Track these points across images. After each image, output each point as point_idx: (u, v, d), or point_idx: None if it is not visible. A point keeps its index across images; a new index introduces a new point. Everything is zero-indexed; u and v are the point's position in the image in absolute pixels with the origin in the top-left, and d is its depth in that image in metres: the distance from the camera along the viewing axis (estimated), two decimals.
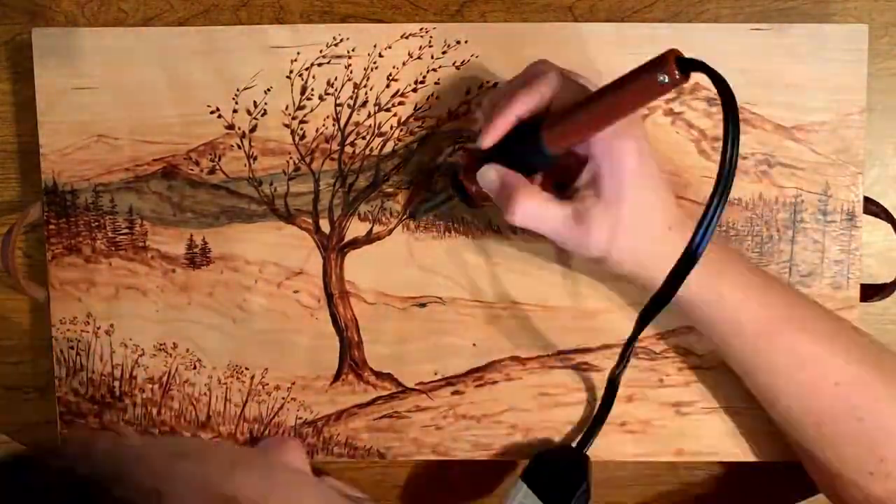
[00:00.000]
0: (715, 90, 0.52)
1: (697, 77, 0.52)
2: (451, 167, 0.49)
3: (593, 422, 0.53)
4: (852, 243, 0.53)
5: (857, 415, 0.46)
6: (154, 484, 0.26)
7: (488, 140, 0.45)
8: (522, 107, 0.44)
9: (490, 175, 0.46)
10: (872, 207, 0.53)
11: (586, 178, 0.45)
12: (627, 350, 0.49)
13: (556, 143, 0.44)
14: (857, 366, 0.46)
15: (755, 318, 0.46)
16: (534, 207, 0.44)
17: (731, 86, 0.37)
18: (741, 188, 0.53)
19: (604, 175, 0.44)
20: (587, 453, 0.52)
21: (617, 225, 0.44)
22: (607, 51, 0.52)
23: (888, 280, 0.53)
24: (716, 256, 0.45)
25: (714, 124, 0.53)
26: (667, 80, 0.37)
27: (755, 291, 0.47)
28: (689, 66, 0.37)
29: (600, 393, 0.54)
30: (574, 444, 0.53)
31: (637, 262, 0.46)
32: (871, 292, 0.53)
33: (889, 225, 0.53)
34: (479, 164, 0.47)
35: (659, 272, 0.42)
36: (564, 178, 0.46)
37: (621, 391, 0.54)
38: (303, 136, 0.53)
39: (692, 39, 0.52)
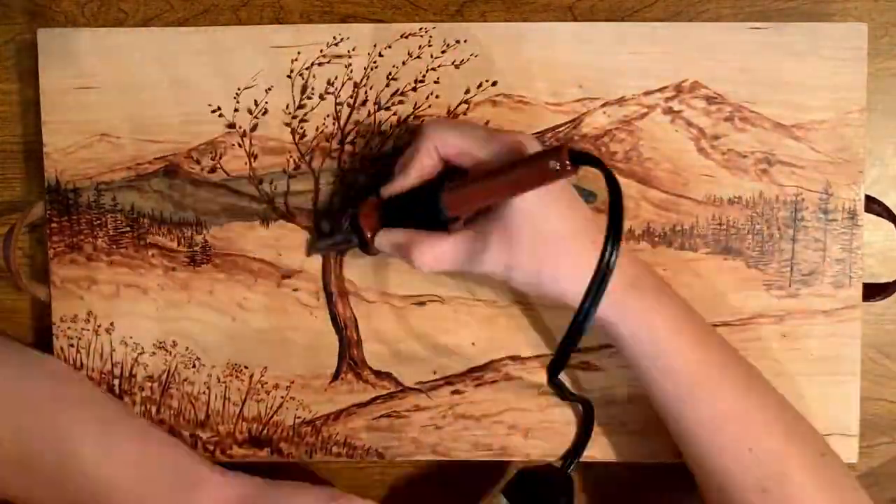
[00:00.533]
0: (714, 91, 0.53)
1: (698, 75, 0.53)
2: (352, 212, 0.50)
3: (575, 443, 0.54)
4: (854, 242, 0.53)
5: (763, 485, 0.45)
6: None
7: (386, 192, 0.48)
8: (423, 168, 0.47)
9: (382, 241, 0.49)
10: (874, 206, 0.53)
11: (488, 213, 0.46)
12: (560, 358, 0.47)
13: (454, 207, 0.46)
14: (774, 433, 0.46)
15: (686, 355, 0.47)
16: (432, 250, 0.46)
17: (618, 182, 0.40)
18: (741, 186, 0.53)
19: (507, 209, 0.45)
20: (571, 474, 0.52)
21: (533, 249, 0.45)
22: (607, 50, 0.52)
23: (890, 279, 0.53)
24: (647, 285, 0.47)
25: (713, 123, 0.53)
26: (558, 168, 0.40)
27: (688, 328, 0.47)
28: (581, 159, 0.40)
29: (599, 394, 0.54)
30: (559, 465, 0.53)
31: (561, 287, 0.46)
32: (872, 291, 0.53)
33: (891, 223, 0.52)
34: (381, 212, 0.49)
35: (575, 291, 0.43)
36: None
37: (621, 391, 0.54)
38: (303, 135, 0.53)
39: (692, 39, 0.52)
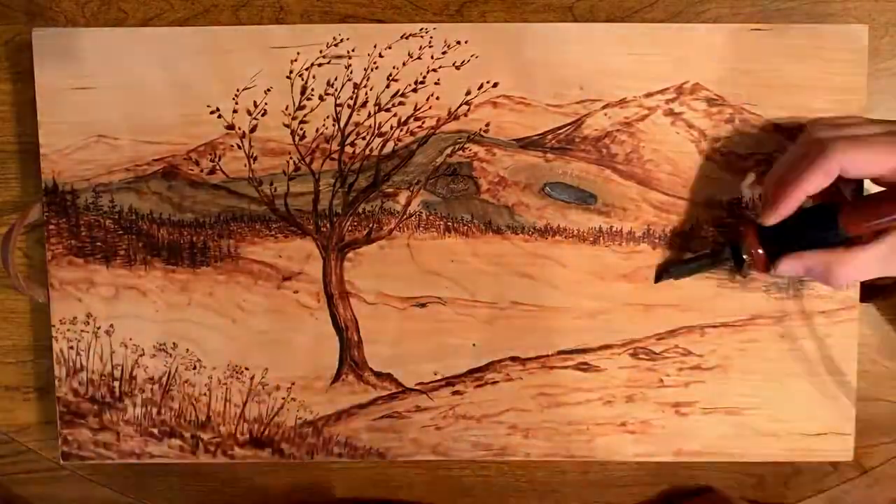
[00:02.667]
0: (715, 92, 0.53)
1: (699, 77, 0.53)
2: (730, 241, 0.51)
3: None
4: None
5: None
6: None
7: (772, 219, 0.47)
8: (810, 186, 0.45)
9: (793, 269, 0.47)
10: None
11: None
12: None
13: (856, 227, 0.45)
14: None
15: None
16: (851, 270, 0.46)
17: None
18: (741, 188, 0.53)
19: None
20: None
21: None
22: (607, 51, 0.52)
23: (888, 280, 0.53)
24: None
25: (714, 124, 0.53)
26: None
27: None
28: None
29: (600, 393, 0.54)
30: None
31: None
32: (871, 293, 0.53)
33: None
34: (762, 239, 0.48)
35: None
36: None
37: (621, 391, 0.54)
38: (303, 137, 0.53)
39: (692, 39, 0.52)
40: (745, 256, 0.50)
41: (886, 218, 0.44)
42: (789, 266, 0.48)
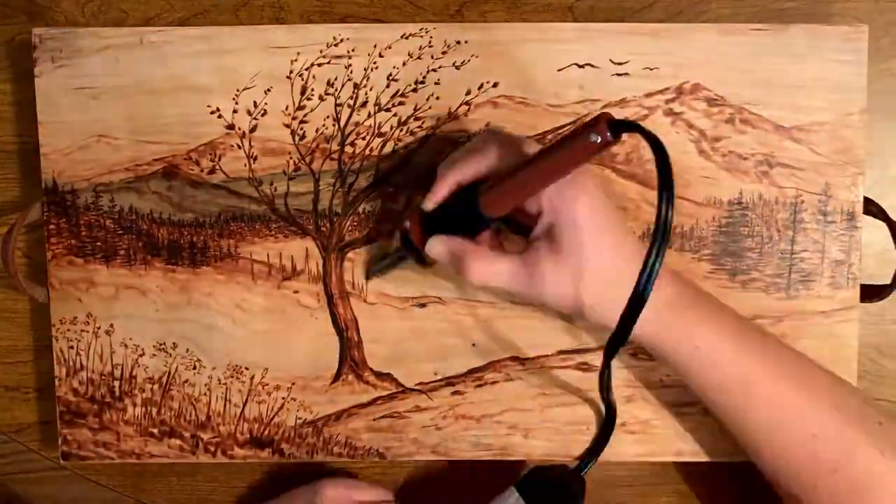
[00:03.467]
0: (715, 92, 0.53)
1: (699, 77, 0.53)
2: (401, 229, 0.50)
3: (592, 446, 0.54)
4: (852, 244, 0.53)
5: (833, 467, 0.45)
6: None
7: (429, 204, 0.47)
8: (462, 173, 0.46)
9: (437, 248, 0.47)
10: (871, 208, 0.53)
11: (539, 231, 0.46)
12: (603, 380, 0.50)
13: (492, 207, 0.45)
14: (832, 414, 0.46)
15: (731, 366, 0.46)
16: (484, 267, 0.46)
17: (664, 147, 0.37)
18: (741, 188, 0.53)
19: (558, 228, 0.44)
20: (584, 477, 0.52)
21: (579, 274, 0.44)
22: (607, 51, 0.52)
23: (888, 280, 0.53)
24: (687, 302, 0.46)
25: (714, 124, 0.53)
26: (599, 140, 0.38)
27: (730, 336, 0.47)
28: (621, 127, 0.38)
29: (598, 394, 0.54)
30: (573, 467, 0.53)
31: (603, 307, 0.45)
32: (870, 293, 0.53)
33: (886, 226, 0.53)
34: (424, 225, 0.48)
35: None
36: (521, 231, 0.47)
37: (621, 391, 0.54)
38: (303, 137, 0.53)
39: (693, 41, 0.52)
40: (415, 247, 0.49)
41: (521, 193, 0.44)
42: (435, 248, 0.47)
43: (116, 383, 0.55)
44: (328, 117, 0.53)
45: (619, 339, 0.42)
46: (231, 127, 0.53)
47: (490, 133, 0.48)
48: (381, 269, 0.53)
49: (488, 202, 0.45)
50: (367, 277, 0.54)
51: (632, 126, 0.38)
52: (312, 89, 0.53)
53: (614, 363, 0.54)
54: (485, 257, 0.46)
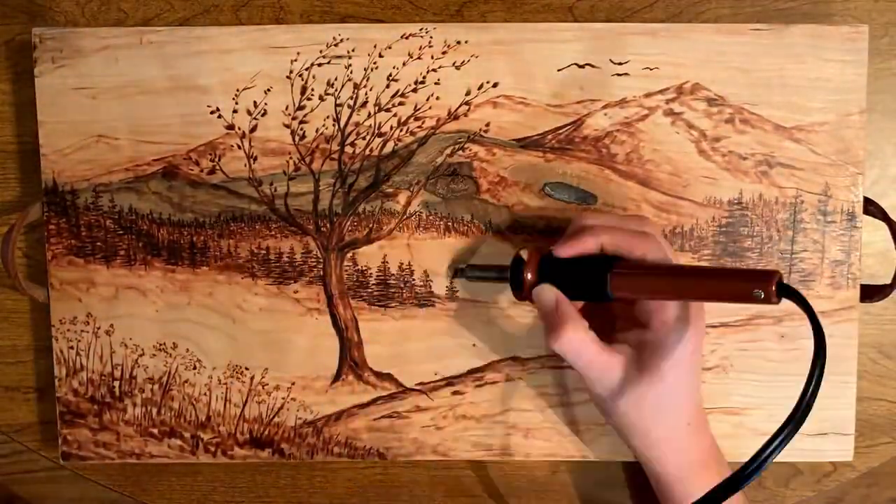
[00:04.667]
0: (715, 92, 0.53)
1: (699, 77, 0.53)
2: (517, 256, 0.49)
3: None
4: (852, 244, 0.53)
5: None
6: None
7: (562, 253, 0.47)
8: (610, 242, 0.46)
9: (546, 297, 0.47)
10: (871, 208, 0.53)
11: (633, 339, 0.47)
12: None
13: (621, 291, 0.45)
14: None
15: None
16: (576, 343, 0.46)
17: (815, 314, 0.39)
18: (741, 188, 0.53)
19: (654, 352, 0.45)
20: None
21: (642, 401, 0.46)
22: (607, 51, 0.52)
23: (888, 280, 0.53)
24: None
25: (714, 124, 0.53)
26: (762, 296, 0.39)
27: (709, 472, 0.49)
28: (786, 292, 0.39)
29: None
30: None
31: (647, 441, 0.48)
32: (870, 292, 0.53)
33: (886, 226, 0.53)
34: (543, 266, 0.48)
35: (662, 457, 0.47)
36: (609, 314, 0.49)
37: None
38: (303, 137, 0.53)
39: (693, 41, 0.52)
40: (524, 284, 0.48)
41: (650, 294, 0.45)
42: (544, 296, 0.47)
43: (116, 383, 0.55)
44: (328, 117, 0.53)
45: None
46: (231, 127, 0.53)
47: (649, 223, 0.48)
48: (474, 277, 0.53)
49: (620, 284, 0.45)
50: (455, 275, 0.54)
51: (799, 300, 0.40)
52: (312, 89, 0.53)
53: None
54: (583, 335, 0.46)
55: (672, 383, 0.46)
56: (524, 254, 0.49)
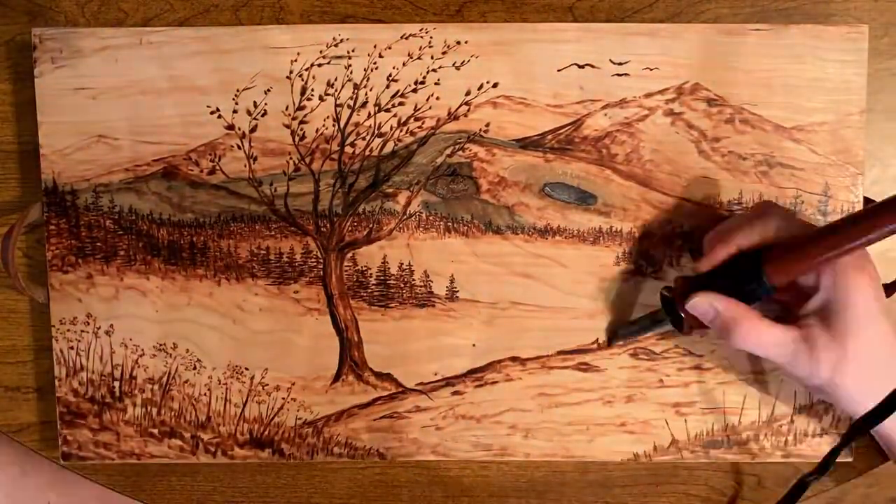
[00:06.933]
0: (715, 93, 0.53)
1: (699, 77, 0.52)
2: (662, 293, 0.50)
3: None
4: None
5: None
6: None
7: (705, 266, 0.47)
8: (744, 239, 0.46)
9: (704, 305, 0.47)
10: None
11: (814, 306, 0.46)
12: (832, 459, 0.48)
13: (779, 275, 0.45)
14: None
15: None
16: (758, 334, 0.46)
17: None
18: (741, 188, 0.53)
19: (834, 308, 0.45)
20: None
21: (843, 358, 0.45)
22: (607, 51, 0.52)
23: (888, 280, 0.53)
24: None
25: (714, 125, 0.53)
26: None
27: None
28: None
29: (600, 393, 0.54)
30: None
31: (859, 392, 0.46)
32: None
33: None
34: (692, 290, 0.48)
35: (878, 399, 0.44)
36: (782, 303, 0.48)
37: (621, 391, 0.54)
38: (303, 137, 0.53)
39: (693, 41, 0.52)
40: (682, 313, 0.48)
41: (812, 267, 0.44)
42: (701, 305, 0.47)
43: (116, 384, 0.55)
44: (328, 117, 0.53)
45: (869, 423, 0.43)
46: (231, 127, 0.53)
47: (768, 204, 0.48)
48: (631, 333, 0.53)
49: (776, 270, 0.45)
50: (611, 341, 0.54)
51: None
52: (312, 89, 0.53)
53: (614, 367, 0.54)
54: (758, 324, 0.46)
55: (869, 335, 0.45)
56: (667, 291, 0.49)
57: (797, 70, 0.52)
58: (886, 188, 0.56)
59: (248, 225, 0.54)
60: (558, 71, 0.53)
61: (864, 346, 0.45)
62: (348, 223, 0.54)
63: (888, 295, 0.53)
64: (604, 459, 0.55)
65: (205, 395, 0.55)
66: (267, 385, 0.55)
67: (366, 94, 0.53)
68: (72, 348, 0.54)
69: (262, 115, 0.53)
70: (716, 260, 0.47)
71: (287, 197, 0.54)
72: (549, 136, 0.53)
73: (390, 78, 0.53)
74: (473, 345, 0.54)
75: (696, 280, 0.48)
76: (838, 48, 0.52)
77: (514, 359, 0.55)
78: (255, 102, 0.53)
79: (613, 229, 0.53)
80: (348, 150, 0.53)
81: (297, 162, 0.53)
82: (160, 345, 0.54)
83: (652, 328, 0.52)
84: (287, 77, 0.53)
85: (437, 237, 0.54)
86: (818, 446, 0.54)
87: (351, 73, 0.53)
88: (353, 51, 0.53)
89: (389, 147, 0.53)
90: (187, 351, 0.54)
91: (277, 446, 0.55)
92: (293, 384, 0.55)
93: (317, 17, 0.55)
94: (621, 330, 0.53)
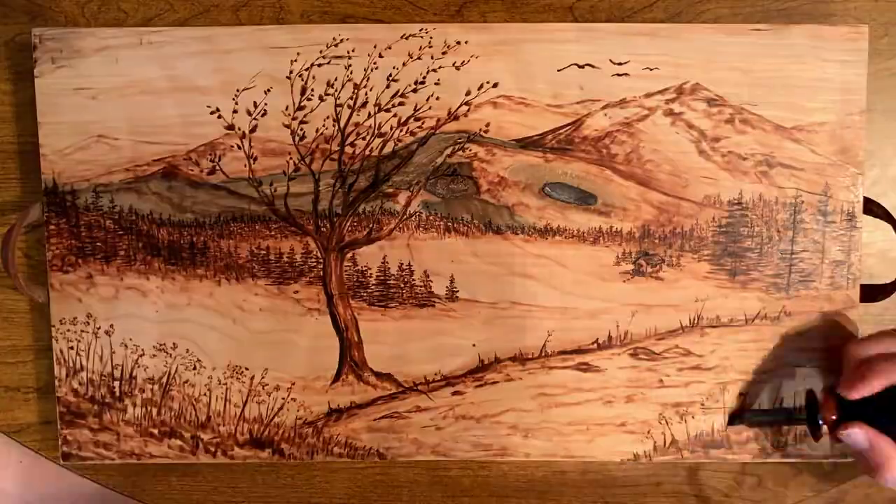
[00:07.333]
0: (715, 93, 0.53)
1: (699, 77, 0.52)
2: (808, 396, 0.51)
3: None
4: (852, 244, 0.53)
5: None
6: None
7: (855, 395, 0.47)
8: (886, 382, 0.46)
9: (859, 438, 0.47)
10: (873, 208, 0.53)
11: None
12: None
13: None
14: None
15: None
16: None
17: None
18: (741, 189, 0.53)
19: None
20: None
21: None
22: (607, 51, 0.52)
23: (888, 280, 0.53)
24: None
25: (714, 125, 0.53)
26: None
27: None
28: None
29: (600, 393, 0.54)
30: None
31: None
32: (871, 292, 0.53)
33: (889, 225, 0.53)
34: (841, 410, 0.48)
35: None
36: None
37: (621, 391, 0.54)
38: (303, 137, 0.53)
39: (693, 41, 0.52)
40: (820, 423, 0.49)
41: None
42: (858, 438, 0.47)
43: (116, 384, 0.55)
44: (328, 117, 0.53)
45: None
46: (231, 127, 0.53)
47: None
48: (759, 423, 0.54)
49: None
50: (732, 422, 0.54)
51: None
52: (312, 89, 0.53)
53: (614, 367, 0.54)
54: None
55: None
56: (819, 395, 0.50)
57: (797, 70, 0.52)
58: (886, 188, 0.56)
59: (248, 225, 0.54)
60: (558, 71, 0.53)
61: None
62: (348, 223, 0.54)
63: (888, 295, 0.53)
64: (604, 459, 0.55)
65: (205, 395, 0.55)
66: (267, 385, 0.55)
67: (366, 94, 0.53)
68: (72, 348, 0.54)
69: (262, 115, 0.53)
70: (871, 391, 0.47)
71: (287, 197, 0.54)
72: (549, 136, 0.53)
73: (390, 78, 0.53)
74: (473, 345, 0.54)
75: (847, 404, 0.48)
76: (838, 48, 0.52)
77: (514, 359, 0.55)
78: (255, 102, 0.53)
79: (613, 229, 0.53)
80: (348, 150, 0.53)
81: (297, 162, 0.53)
82: (160, 345, 0.54)
83: (781, 423, 0.53)
84: (287, 77, 0.53)
85: (437, 237, 0.54)
86: (818, 446, 0.54)
87: (351, 73, 0.53)
88: (353, 51, 0.53)
89: (389, 147, 0.53)
90: (187, 351, 0.54)
91: (277, 446, 0.55)
92: (293, 384, 0.55)
93: (317, 17, 0.55)
94: (751, 416, 0.54)
